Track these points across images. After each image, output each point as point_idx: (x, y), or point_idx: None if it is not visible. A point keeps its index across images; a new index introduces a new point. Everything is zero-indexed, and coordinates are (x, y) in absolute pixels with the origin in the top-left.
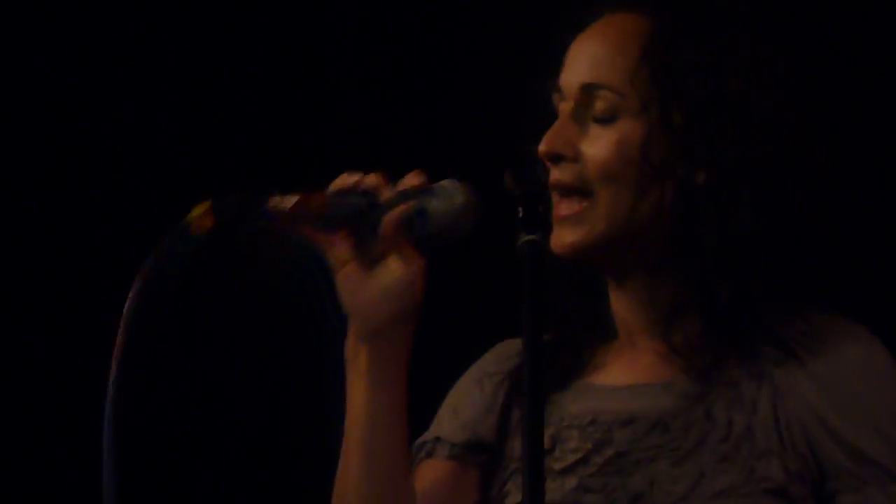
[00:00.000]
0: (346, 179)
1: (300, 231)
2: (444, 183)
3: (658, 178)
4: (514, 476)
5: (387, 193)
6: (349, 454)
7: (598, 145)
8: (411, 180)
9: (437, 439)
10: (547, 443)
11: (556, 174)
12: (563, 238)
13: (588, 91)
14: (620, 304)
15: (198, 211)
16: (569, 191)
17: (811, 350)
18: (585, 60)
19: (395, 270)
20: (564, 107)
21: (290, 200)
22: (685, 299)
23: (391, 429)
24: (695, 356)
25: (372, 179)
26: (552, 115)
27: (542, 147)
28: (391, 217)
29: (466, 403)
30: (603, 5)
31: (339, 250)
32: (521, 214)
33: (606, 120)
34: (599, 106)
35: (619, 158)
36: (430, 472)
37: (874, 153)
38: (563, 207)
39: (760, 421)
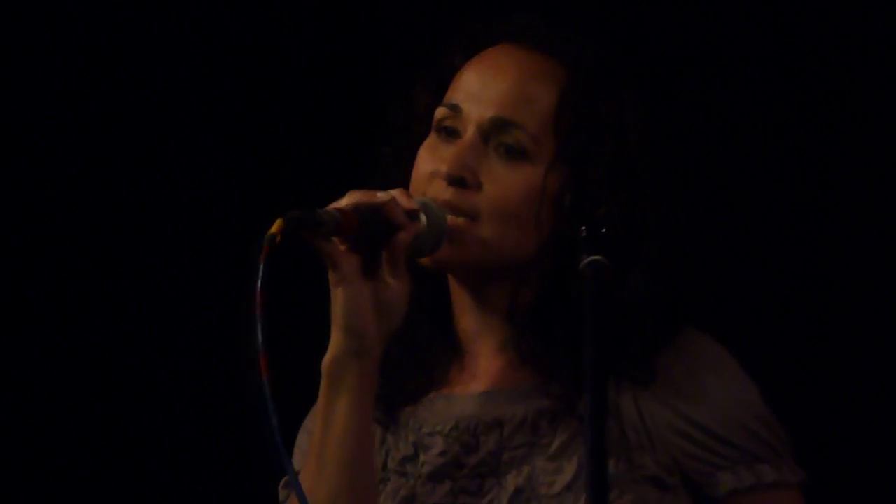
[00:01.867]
0: (361, 197)
1: (318, 245)
2: (422, 199)
3: (553, 224)
4: (381, 484)
5: (398, 213)
6: (325, 467)
7: (500, 182)
8: (408, 200)
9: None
10: (408, 449)
11: (453, 196)
12: (439, 255)
13: (499, 125)
14: (470, 317)
15: (274, 227)
16: (458, 212)
17: (661, 357)
18: (498, 93)
19: (392, 289)
20: (462, 130)
21: (336, 215)
22: (541, 315)
23: (368, 444)
24: (551, 364)
25: (384, 197)
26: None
27: (446, 168)
28: (405, 238)
29: None
30: (501, 35)
31: (347, 266)
32: (583, 234)
33: (513, 158)
34: (508, 141)
35: (519, 199)
36: None
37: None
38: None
39: (626, 420)
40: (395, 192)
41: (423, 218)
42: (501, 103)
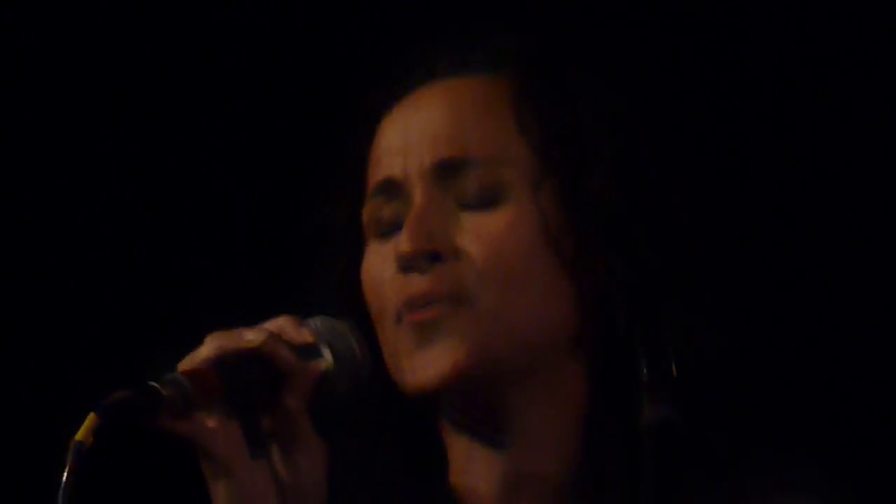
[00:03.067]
0: (222, 342)
1: (171, 429)
2: (321, 324)
3: (573, 273)
4: None
5: (282, 352)
6: None
7: (482, 235)
8: (296, 331)
9: None
10: None
11: (433, 283)
12: (431, 363)
13: (449, 168)
14: (480, 469)
15: (83, 429)
16: (443, 300)
17: None
18: (433, 132)
19: (300, 465)
20: (407, 199)
21: (183, 383)
22: (601, 455)
23: None
24: None
25: (257, 336)
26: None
27: (407, 246)
28: (300, 388)
29: None
30: (409, 84)
31: (224, 447)
32: (644, 377)
33: (486, 204)
34: (471, 188)
35: (514, 245)
36: None
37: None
38: (424, 313)
39: None
40: (278, 323)
41: (325, 352)
42: (441, 141)
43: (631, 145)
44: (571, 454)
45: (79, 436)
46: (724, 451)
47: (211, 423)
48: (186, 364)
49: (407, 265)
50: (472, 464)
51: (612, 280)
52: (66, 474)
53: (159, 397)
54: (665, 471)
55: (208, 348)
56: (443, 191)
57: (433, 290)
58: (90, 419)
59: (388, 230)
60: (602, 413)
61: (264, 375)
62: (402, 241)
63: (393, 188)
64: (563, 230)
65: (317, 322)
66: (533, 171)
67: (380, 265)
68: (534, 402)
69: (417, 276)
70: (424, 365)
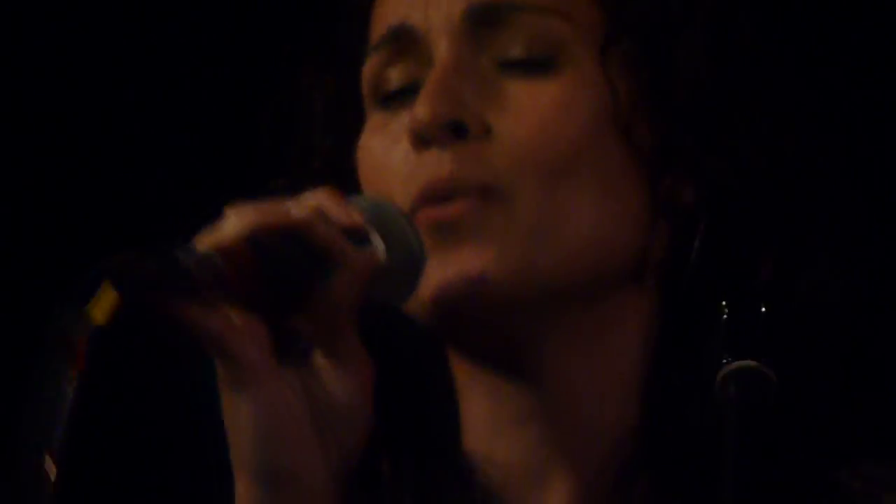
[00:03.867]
0: (258, 216)
1: (187, 318)
2: (367, 204)
3: (645, 172)
4: None
5: (332, 238)
6: None
7: (525, 111)
8: (344, 211)
9: None
10: None
11: (450, 164)
12: (452, 268)
13: (487, 19)
14: (508, 432)
15: (102, 304)
16: (467, 190)
17: None
18: None
19: (342, 382)
20: (426, 59)
21: (213, 258)
22: (666, 424)
23: None
24: None
25: (300, 212)
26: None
27: (425, 112)
28: (350, 283)
29: None
30: None
31: (251, 352)
32: (724, 315)
33: (536, 68)
34: (516, 45)
35: (570, 133)
36: None
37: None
38: (445, 209)
39: None
40: (319, 197)
41: (376, 241)
42: None
43: (738, 10)
44: (626, 421)
45: (99, 317)
46: (827, 428)
47: (236, 318)
48: (214, 239)
49: (423, 137)
50: (494, 428)
51: (699, 185)
52: (77, 375)
53: (185, 269)
54: (748, 447)
55: (241, 221)
56: (477, 50)
57: (459, 174)
58: (105, 294)
59: (398, 97)
60: (670, 369)
61: (307, 261)
62: (418, 107)
63: (407, 39)
64: (636, 112)
65: (362, 201)
66: (598, 31)
67: (384, 144)
68: (579, 347)
69: (436, 154)
70: (443, 270)
